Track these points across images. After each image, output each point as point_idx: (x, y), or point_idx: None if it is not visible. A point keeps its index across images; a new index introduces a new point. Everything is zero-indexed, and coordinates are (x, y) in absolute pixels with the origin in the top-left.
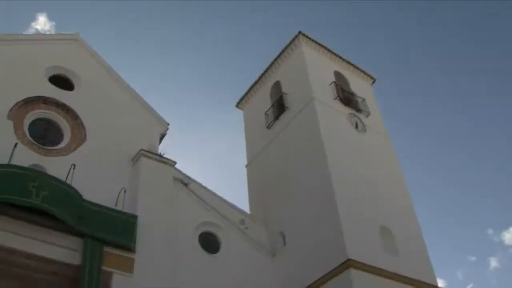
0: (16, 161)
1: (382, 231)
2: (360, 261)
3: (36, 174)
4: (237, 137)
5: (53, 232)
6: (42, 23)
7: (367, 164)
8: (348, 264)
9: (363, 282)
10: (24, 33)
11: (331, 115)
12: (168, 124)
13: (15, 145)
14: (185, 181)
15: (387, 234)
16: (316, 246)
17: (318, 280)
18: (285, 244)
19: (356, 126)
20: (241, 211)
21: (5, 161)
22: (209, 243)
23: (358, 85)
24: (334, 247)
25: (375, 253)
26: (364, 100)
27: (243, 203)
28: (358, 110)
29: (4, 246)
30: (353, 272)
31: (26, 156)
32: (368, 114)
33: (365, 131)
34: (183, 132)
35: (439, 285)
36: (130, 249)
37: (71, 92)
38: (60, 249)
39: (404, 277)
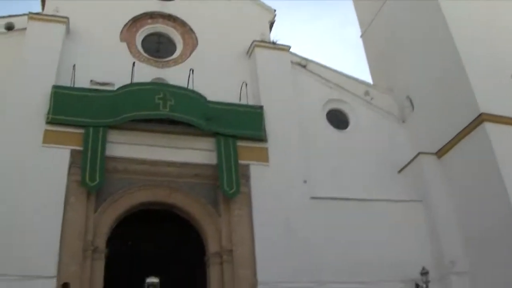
0: (137, 79)
1: None
2: (494, 114)
3: (159, 87)
4: (347, 9)
5: (186, 138)
6: None
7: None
8: (481, 119)
9: (500, 135)
10: None
11: None
12: (275, 11)
13: (133, 64)
14: (302, 63)
15: None
16: (446, 106)
17: (452, 140)
18: (413, 108)
19: None
20: (364, 83)
21: (128, 81)
22: (338, 120)
23: None
24: (465, 103)
25: (509, 104)
26: None
27: (364, 75)
28: None
29: (146, 159)
30: (488, 126)
31: (146, 72)
32: None
33: None
34: (291, 14)
35: None
36: (262, 139)
37: (172, 1)
38: (196, 152)
39: None
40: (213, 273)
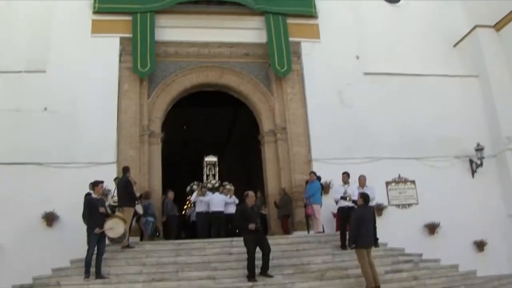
0: None
1: None
2: None
3: None
4: None
5: (235, 18)
6: None
7: None
8: None
9: None
10: None
11: None
12: None
13: None
14: None
15: None
16: None
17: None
18: None
19: None
20: None
21: None
22: None
23: None
24: None
25: None
26: None
27: None
28: None
29: (196, 41)
30: None
31: None
32: None
33: None
34: None
35: None
36: (312, 15)
37: None
38: (247, 32)
39: None
40: (268, 151)
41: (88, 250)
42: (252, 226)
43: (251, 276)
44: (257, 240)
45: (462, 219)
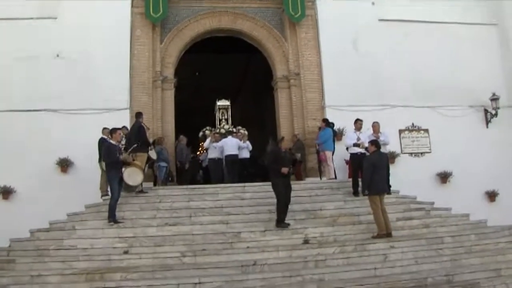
0: None
1: None
2: None
3: None
4: None
5: None
6: None
7: None
8: None
9: None
10: None
11: None
12: None
13: None
14: None
15: None
16: None
17: None
18: None
19: None
20: None
21: None
22: None
23: None
24: None
25: None
26: None
27: None
28: None
29: None
30: None
31: None
32: None
33: None
34: None
35: None
36: None
37: None
38: None
39: None
40: (281, 97)
41: (112, 195)
42: (285, 170)
43: (280, 221)
44: (284, 185)
45: (474, 169)
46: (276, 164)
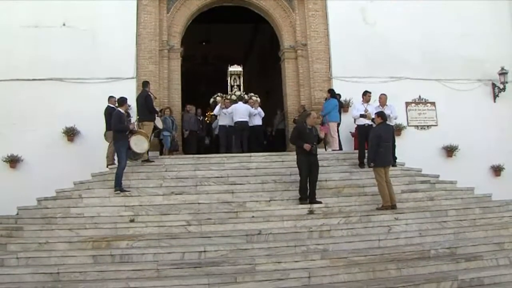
0: None
1: None
2: None
3: None
4: None
5: None
6: None
7: None
8: None
9: None
10: None
11: None
12: None
13: None
14: None
15: None
16: None
17: None
18: None
19: None
20: None
21: None
22: None
23: None
24: None
25: None
26: None
27: None
28: None
29: None
30: None
31: None
32: None
33: None
34: None
35: None
36: None
37: None
38: None
39: None
40: (288, 68)
41: (119, 164)
42: (307, 146)
43: (302, 198)
44: (309, 163)
45: (480, 143)
46: (299, 141)
